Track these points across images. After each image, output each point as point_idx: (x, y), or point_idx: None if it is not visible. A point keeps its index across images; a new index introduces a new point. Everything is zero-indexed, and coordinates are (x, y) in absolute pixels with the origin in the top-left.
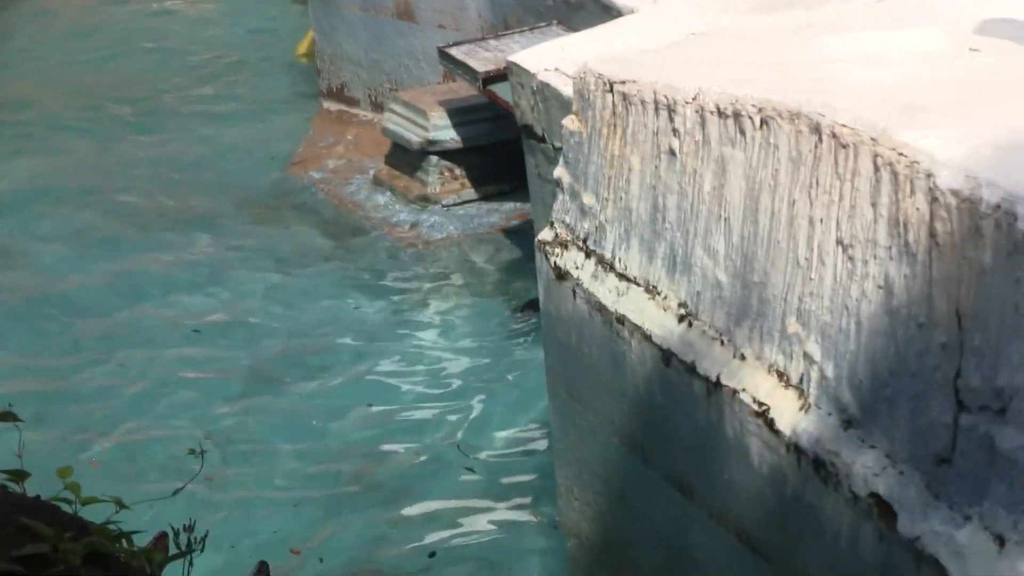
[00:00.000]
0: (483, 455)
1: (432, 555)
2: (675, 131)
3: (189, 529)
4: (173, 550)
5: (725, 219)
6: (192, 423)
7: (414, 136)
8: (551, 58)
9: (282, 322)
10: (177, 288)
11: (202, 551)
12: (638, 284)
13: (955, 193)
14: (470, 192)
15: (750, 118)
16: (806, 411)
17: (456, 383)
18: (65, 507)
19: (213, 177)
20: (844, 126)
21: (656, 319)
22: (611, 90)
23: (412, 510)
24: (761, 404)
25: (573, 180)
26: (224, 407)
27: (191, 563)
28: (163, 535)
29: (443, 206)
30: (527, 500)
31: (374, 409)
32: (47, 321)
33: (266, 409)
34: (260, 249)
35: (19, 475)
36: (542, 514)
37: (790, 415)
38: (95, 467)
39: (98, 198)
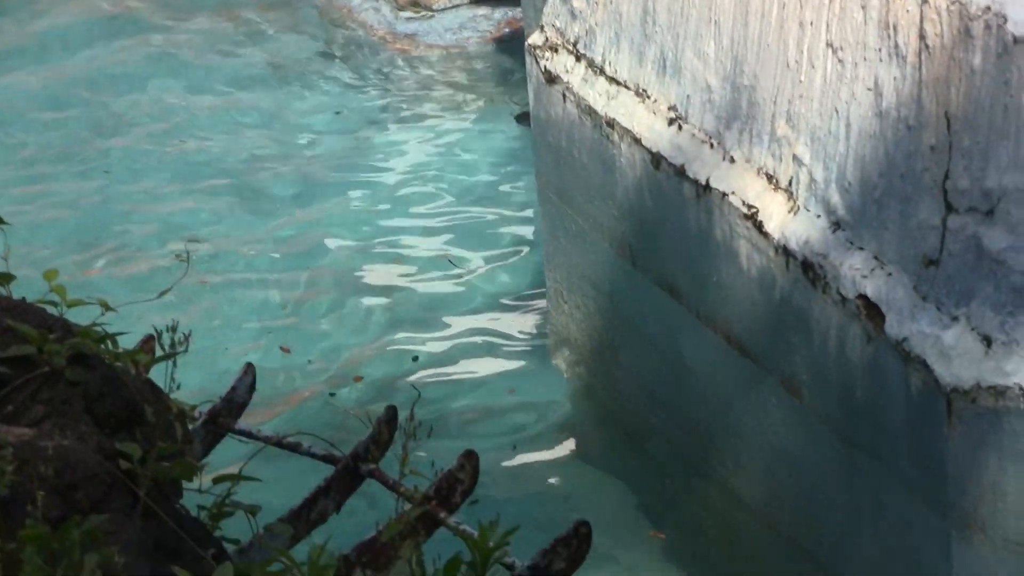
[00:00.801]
0: (473, 263)
1: (415, 359)
2: None
3: (172, 330)
4: (160, 353)
5: (715, 22)
6: (178, 230)
7: None
8: None
9: (271, 128)
10: (163, 101)
11: (186, 351)
12: (628, 87)
13: None
14: None
15: None
16: (795, 213)
17: (449, 192)
18: (51, 310)
19: None
20: None
21: (646, 122)
22: None
23: (398, 315)
24: (750, 207)
25: None
26: (211, 214)
27: (175, 364)
28: (150, 338)
29: (434, 10)
30: (516, 306)
31: (364, 216)
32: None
33: (255, 213)
34: (250, 54)
35: (5, 278)
36: (533, 316)
37: (779, 217)
38: (88, 275)
39: None
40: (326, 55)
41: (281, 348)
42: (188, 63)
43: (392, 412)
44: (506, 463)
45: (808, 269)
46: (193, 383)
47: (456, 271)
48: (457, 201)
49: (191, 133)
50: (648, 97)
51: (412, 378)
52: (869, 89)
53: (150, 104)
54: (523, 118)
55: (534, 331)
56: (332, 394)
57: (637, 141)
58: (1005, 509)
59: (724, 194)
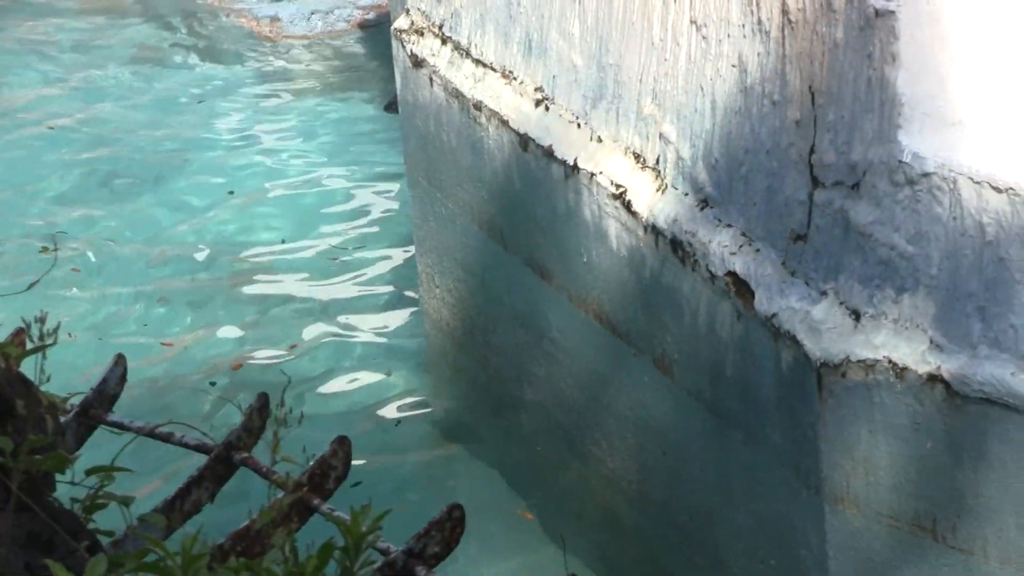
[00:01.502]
0: (346, 249)
1: (293, 347)
2: None
3: (41, 321)
4: (30, 346)
5: (580, 1)
6: (47, 218)
7: None
8: None
9: (135, 116)
10: (25, 89)
11: (55, 343)
12: (495, 70)
13: None
14: None
15: None
16: (663, 192)
17: (319, 179)
18: None
19: None
20: None
21: (513, 104)
22: None
23: (275, 302)
24: (619, 186)
25: None
26: (80, 204)
27: (45, 356)
28: (20, 330)
29: None
30: (390, 291)
31: (235, 200)
32: None
33: (124, 202)
34: (114, 43)
35: None
36: (407, 300)
37: (647, 196)
38: None
39: None
40: (190, 43)
41: (162, 343)
42: (48, 53)
43: (264, 399)
44: (381, 446)
45: (677, 247)
46: (66, 375)
47: (332, 257)
48: (328, 187)
49: (54, 122)
50: (515, 79)
51: (289, 364)
52: (733, 66)
53: (12, 93)
54: (392, 107)
55: (408, 315)
56: (212, 383)
57: (505, 123)
58: (877, 482)
59: (592, 174)
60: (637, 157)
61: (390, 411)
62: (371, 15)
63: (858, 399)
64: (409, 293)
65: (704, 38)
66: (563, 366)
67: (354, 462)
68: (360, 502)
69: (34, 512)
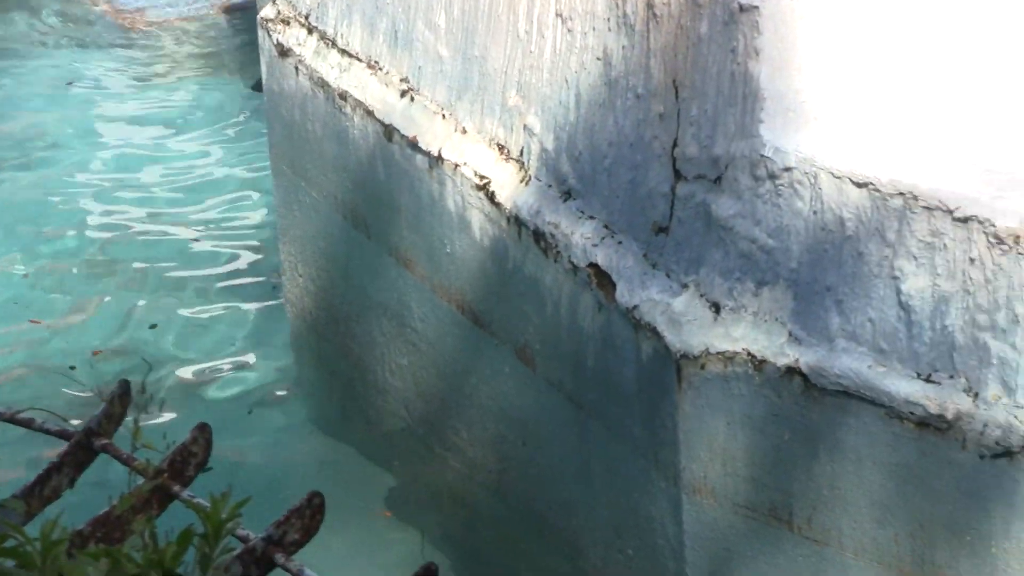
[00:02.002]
0: (212, 234)
1: (153, 327)
2: None
3: None
4: None
5: None
6: None
7: None
8: None
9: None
10: None
11: None
12: (360, 60)
13: None
14: None
15: None
16: (527, 183)
17: (184, 164)
18: None
19: None
20: None
21: (378, 94)
22: None
23: (139, 287)
24: (483, 177)
25: None
26: None
27: None
28: None
29: None
30: (253, 278)
31: (102, 184)
32: None
33: None
34: None
35: None
36: (272, 288)
37: (511, 188)
38: None
39: None
40: (53, 31)
41: (31, 321)
42: None
43: (125, 386)
44: (243, 433)
45: (540, 239)
46: None
47: (196, 240)
48: (193, 173)
49: None
50: (380, 69)
51: (153, 350)
52: (598, 58)
53: None
54: (259, 86)
55: (272, 302)
56: (72, 367)
57: (370, 113)
58: (735, 473)
59: (456, 165)
60: (501, 148)
61: (252, 398)
62: (238, 0)
63: (717, 391)
64: (274, 280)
65: (569, 31)
66: (425, 356)
67: (215, 449)
68: (220, 489)
69: None
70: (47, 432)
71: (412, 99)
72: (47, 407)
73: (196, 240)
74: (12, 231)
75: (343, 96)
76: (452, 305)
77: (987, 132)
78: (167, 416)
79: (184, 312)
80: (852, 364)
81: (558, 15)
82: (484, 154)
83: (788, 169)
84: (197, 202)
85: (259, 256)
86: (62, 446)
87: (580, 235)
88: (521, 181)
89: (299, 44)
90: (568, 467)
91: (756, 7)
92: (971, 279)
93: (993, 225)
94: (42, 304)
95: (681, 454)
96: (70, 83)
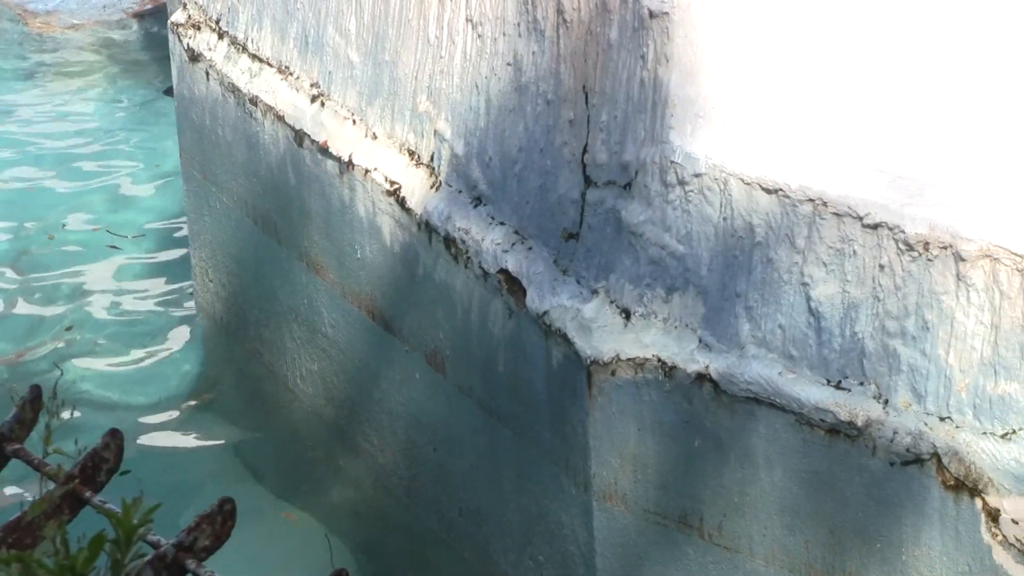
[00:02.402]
0: (125, 238)
1: (69, 328)
2: None
3: None
4: None
5: None
6: None
7: None
8: None
9: None
10: None
11: None
12: (271, 65)
13: None
14: None
15: None
16: (437, 189)
17: (99, 168)
18: None
19: None
20: None
21: (289, 99)
22: None
23: (55, 292)
24: (393, 183)
25: None
26: None
27: None
28: None
29: None
30: (166, 282)
31: (14, 188)
32: None
33: None
34: None
35: None
36: (183, 292)
37: (421, 193)
38: None
39: None
40: None
41: None
42: None
43: (36, 391)
44: (155, 438)
45: (450, 244)
46: None
47: (111, 245)
48: (109, 177)
49: None
50: (291, 74)
51: (66, 354)
52: (509, 64)
53: None
54: (172, 91)
55: (183, 307)
56: None
57: (280, 118)
58: (645, 480)
59: (367, 170)
60: (412, 154)
61: (164, 403)
62: (148, 5)
63: (627, 397)
64: (185, 284)
65: (480, 36)
66: (335, 361)
67: (127, 453)
68: (132, 494)
69: None
70: None
71: (323, 104)
72: None
73: (111, 246)
74: None
75: (253, 101)
76: (363, 311)
77: (897, 138)
78: (79, 421)
79: (98, 317)
80: (762, 371)
81: (468, 20)
82: (394, 159)
83: (698, 175)
84: (110, 208)
85: (173, 261)
86: None
87: (490, 241)
88: (431, 187)
89: (210, 49)
90: (478, 473)
91: (666, 13)
92: (881, 285)
93: (903, 231)
94: None
95: (591, 460)
96: None
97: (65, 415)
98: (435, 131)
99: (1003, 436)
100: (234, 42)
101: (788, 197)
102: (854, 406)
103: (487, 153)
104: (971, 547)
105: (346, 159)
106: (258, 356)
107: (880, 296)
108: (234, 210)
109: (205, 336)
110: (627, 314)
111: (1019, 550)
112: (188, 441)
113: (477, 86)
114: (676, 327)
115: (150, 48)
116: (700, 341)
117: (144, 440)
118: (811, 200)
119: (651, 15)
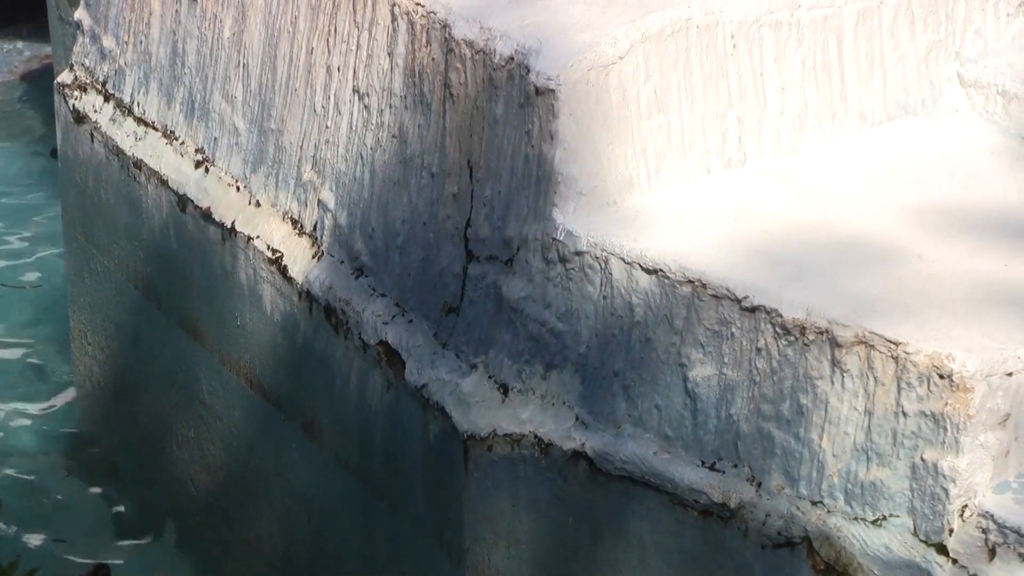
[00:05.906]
0: (5, 296)
1: None
2: None
3: None
4: None
5: (244, 65)
6: None
7: None
8: None
9: None
10: None
11: None
12: (156, 129)
13: (469, 44)
14: None
15: None
16: (319, 259)
17: None
18: None
19: None
20: None
21: (173, 164)
22: None
23: None
24: (275, 251)
25: (94, 22)
26: None
27: None
28: None
29: None
30: (46, 340)
31: None
32: None
33: None
34: None
35: None
36: (61, 353)
37: (303, 262)
38: None
39: None
40: None
41: None
42: None
43: None
44: (30, 500)
45: (331, 315)
46: None
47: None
48: None
49: None
50: (176, 139)
51: None
52: (394, 136)
53: None
54: (55, 152)
55: (61, 369)
56: None
57: (164, 183)
58: (519, 556)
59: (249, 238)
60: (295, 223)
61: (39, 466)
62: (36, 65)
63: (503, 473)
64: (64, 346)
65: (366, 107)
66: (212, 429)
67: (1, 515)
68: (7, 557)
69: None
70: None
71: (207, 170)
72: None
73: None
74: None
75: (138, 165)
76: (241, 379)
77: (776, 221)
78: None
79: None
80: (638, 450)
81: (355, 91)
82: (277, 228)
83: (579, 253)
84: None
85: (52, 320)
86: None
87: (371, 312)
88: (314, 256)
89: (95, 111)
90: (353, 545)
91: (553, 91)
92: (757, 369)
93: (780, 315)
94: None
95: (466, 535)
96: None
97: None
98: (319, 200)
99: (873, 522)
100: (120, 105)
101: (668, 278)
102: (727, 488)
103: (370, 224)
104: None
105: (229, 226)
106: (135, 421)
107: (756, 379)
108: (115, 274)
109: (82, 398)
110: (505, 389)
111: None
112: (63, 503)
113: (362, 157)
114: (553, 404)
115: (36, 109)
116: (577, 419)
117: (17, 501)
118: (691, 281)
119: (537, 92)
